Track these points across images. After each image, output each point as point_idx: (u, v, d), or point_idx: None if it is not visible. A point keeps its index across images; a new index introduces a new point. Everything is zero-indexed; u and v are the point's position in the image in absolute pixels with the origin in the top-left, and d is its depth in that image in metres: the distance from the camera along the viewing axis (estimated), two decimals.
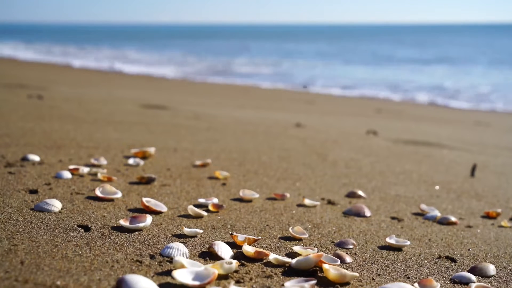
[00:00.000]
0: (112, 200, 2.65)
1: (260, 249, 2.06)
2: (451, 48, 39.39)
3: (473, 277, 2.05)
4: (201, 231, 2.28)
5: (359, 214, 2.82)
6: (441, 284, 2.01)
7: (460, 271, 2.15)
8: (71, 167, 3.10)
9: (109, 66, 20.87)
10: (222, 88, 14.25)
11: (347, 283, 1.91)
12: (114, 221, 2.34)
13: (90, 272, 1.76)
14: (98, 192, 2.63)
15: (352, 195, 3.22)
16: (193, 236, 2.26)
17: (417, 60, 27.44)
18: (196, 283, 1.71)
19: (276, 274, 1.93)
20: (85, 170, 3.10)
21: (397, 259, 2.23)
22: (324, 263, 1.99)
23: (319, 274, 1.96)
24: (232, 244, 2.17)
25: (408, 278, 2.04)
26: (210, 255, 2.04)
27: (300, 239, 2.35)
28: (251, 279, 1.85)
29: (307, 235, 2.38)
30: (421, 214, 2.97)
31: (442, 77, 19.12)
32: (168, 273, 1.83)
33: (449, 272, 2.14)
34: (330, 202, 3.04)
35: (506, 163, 5.07)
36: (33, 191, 2.65)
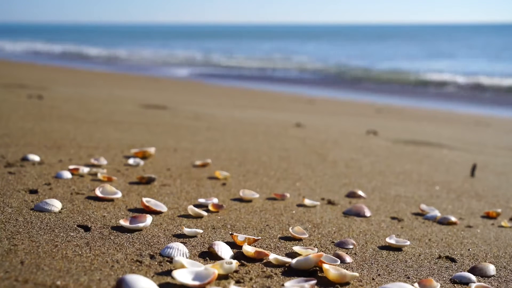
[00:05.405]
0: (112, 200, 2.65)
1: (260, 249, 2.06)
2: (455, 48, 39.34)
3: (473, 277, 2.05)
4: (201, 231, 2.28)
5: (359, 214, 2.82)
6: (441, 284, 2.01)
7: (460, 271, 2.15)
8: (71, 167, 3.10)
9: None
10: (222, 88, 14.25)
11: (347, 283, 1.91)
12: (114, 221, 2.34)
13: (90, 272, 1.76)
14: (98, 192, 2.63)
15: (352, 195, 3.22)
16: (193, 236, 2.26)
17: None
18: (196, 283, 1.72)
19: (276, 274, 1.93)
20: (85, 170, 3.10)
21: (397, 259, 2.23)
22: (324, 263, 1.99)
23: (319, 274, 1.96)
24: (232, 244, 2.17)
25: (408, 278, 2.04)
26: (210, 255, 2.04)
27: (300, 239, 2.35)
28: (251, 279, 1.85)
29: (307, 235, 2.38)
30: (421, 214, 2.97)
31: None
32: (168, 273, 1.83)
33: (449, 272, 2.14)
34: (330, 202, 3.03)
35: (506, 163, 5.07)
36: (33, 191, 2.65)
